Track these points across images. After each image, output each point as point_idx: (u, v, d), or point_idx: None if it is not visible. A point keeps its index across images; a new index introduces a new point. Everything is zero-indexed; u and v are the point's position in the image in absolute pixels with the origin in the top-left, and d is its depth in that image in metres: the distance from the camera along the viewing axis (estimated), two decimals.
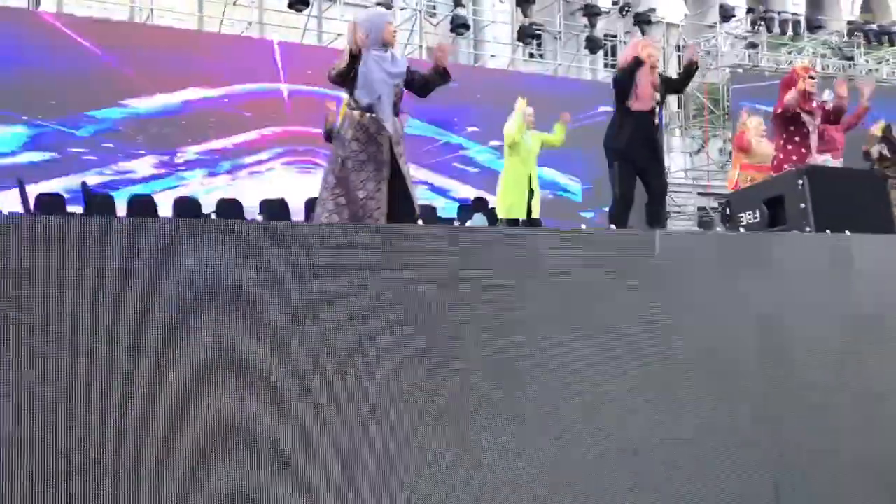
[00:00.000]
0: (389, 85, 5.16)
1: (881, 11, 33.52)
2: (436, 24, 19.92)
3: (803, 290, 3.01)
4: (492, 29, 20.35)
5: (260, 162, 14.64)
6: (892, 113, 18.72)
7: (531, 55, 25.63)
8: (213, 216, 10.53)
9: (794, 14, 22.18)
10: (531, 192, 8.62)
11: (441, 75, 5.37)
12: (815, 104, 7.28)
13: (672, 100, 24.50)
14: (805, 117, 7.04)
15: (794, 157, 7.05)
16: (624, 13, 20.91)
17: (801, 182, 3.36)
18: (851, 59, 21.55)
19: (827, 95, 7.93)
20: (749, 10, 21.67)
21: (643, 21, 20.83)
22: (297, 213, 11.25)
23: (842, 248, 3.09)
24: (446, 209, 13.92)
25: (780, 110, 6.97)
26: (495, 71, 19.19)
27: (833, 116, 7.27)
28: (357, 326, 2.63)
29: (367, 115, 5.14)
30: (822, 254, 3.04)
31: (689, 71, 6.57)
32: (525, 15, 19.41)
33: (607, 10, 21.90)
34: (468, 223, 10.96)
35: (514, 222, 8.49)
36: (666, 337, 2.94)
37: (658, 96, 6.24)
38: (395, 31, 5.42)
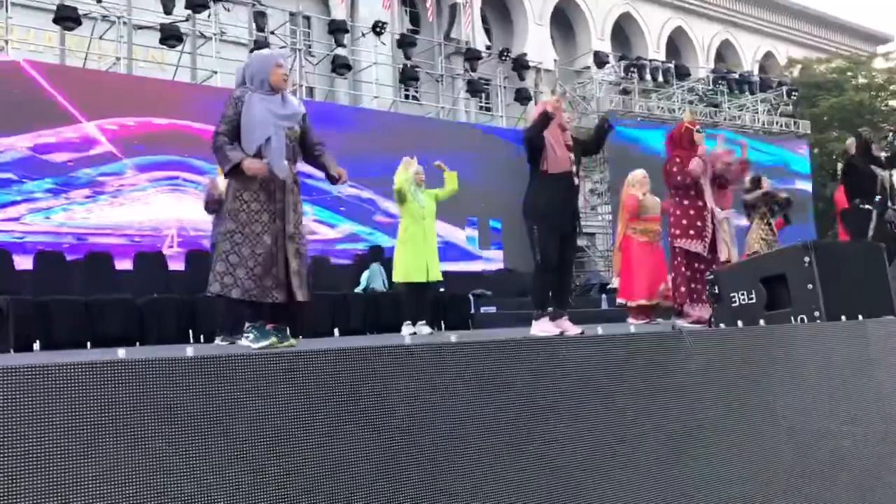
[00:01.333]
0: (279, 126, 4.69)
1: (732, 61, 35.16)
2: (315, 63, 19.18)
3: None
4: (372, 71, 19.77)
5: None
6: (754, 158, 19.34)
7: (407, 97, 25.27)
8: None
9: (662, 62, 22.66)
10: (428, 252, 8.05)
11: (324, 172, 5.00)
12: (705, 156, 7.03)
13: None
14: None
15: (692, 212, 6.76)
16: (503, 58, 20.80)
17: (807, 259, 2.85)
18: (717, 105, 22.16)
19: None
20: (621, 58, 21.97)
21: (521, 66, 20.77)
22: None
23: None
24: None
25: (679, 178, 6.72)
26: (376, 112, 18.60)
27: (722, 181, 7.11)
28: None
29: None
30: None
31: (601, 131, 6.16)
32: (407, 57, 18.96)
33: (487, 55, 21.78)
34: (364, 274, 10.25)
35: (414, 287, 7.99)
36: None
37: (573, 157, 5.74)
38: (285, 75, 4.84)
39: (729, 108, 22.37)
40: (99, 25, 16.15)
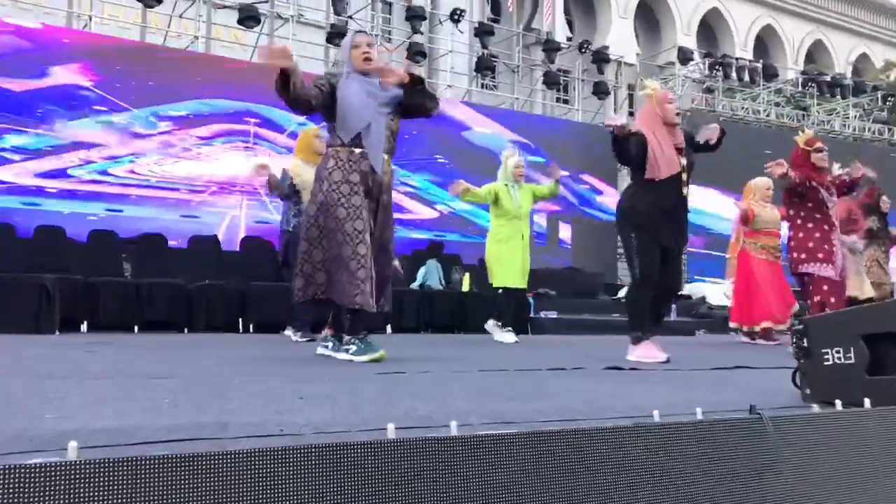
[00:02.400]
0: (380, 113, 4.26)
1: (823, 62, 33.54)
2: (392, 49, 18.81)
3: None
4: (448, 59, 19.30)
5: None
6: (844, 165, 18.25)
7: (483, 86, 24.73)
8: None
9: (749, 61, 21.59)
10: (523, 256, 7.35)
11: (414, 93, 4.33)
12: (829, 178, 6.37)
13: None
14: (823, 193, 6.18)
15: (818, 235, 6.10)
16: (583, 50, 20.07)
17: None
18: (806, 109, 21.02)
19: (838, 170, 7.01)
20: (706, 55, 20.99)
21: (601, 59, 20.02)
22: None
23: None
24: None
25: (787, 190, 6.11)
26: (450, 102, 18.13)
27: (847, 189, 6.49)
28: None
29: (356, 150, 4.23)
30: None
31: (714, 146, 5.17)
32: (484, 46, 18.44)
33: (567, 46, 21.08)
34: (421, 270, 9.81)
35: (509, 291, 7.32)
36: None
37: (684, 161, 4.89)
38: (365, 54, 4.31)
39: (818, 112, 21.20)
40: (180, 4, 16.08)
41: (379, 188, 4.30)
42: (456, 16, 18.18)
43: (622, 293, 18.19)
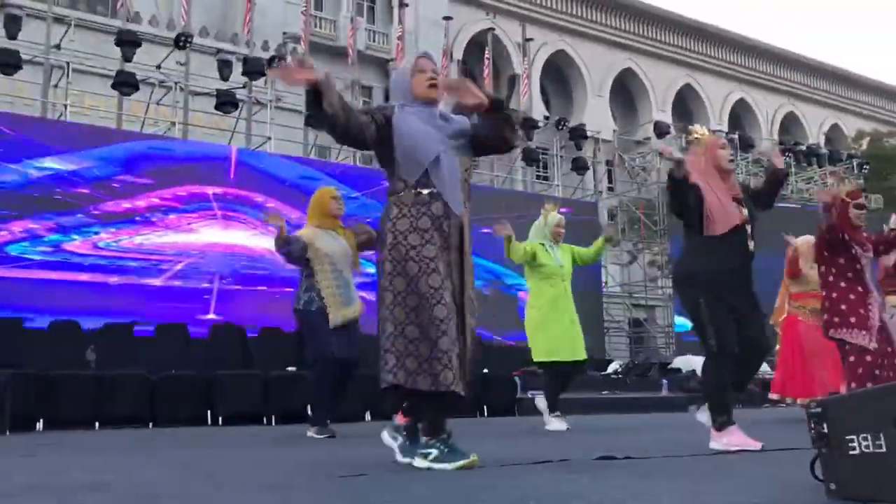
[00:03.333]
0: (447, 145, 3.39)
1: (797, 133, 33.94)
2: None
3: None
4: None
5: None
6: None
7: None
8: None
9: (725, 133, 21.69)
10: (571, 323, 6.33)
11: (491, 119, 3.40)
12: (865, 235, 5.71)
13: (604, 215, 23.76)
14: (857, 249, 5.42)
15: (852, 297, 5.35)
16: (560, 127, 20.08)
17: None
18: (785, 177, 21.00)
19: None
20: (683, 128, 21.07)
21: (579, 136, 20.01)
22: None
23: None
24: None
25: (819, 242, 5.40)
26: None
27: (883, 247, 5.73)
28: None
29: (424, 191, 3.34)
30: None
31: (775, 177, 4.56)
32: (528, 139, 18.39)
33: (543, 124, 21.10)
34: None
35: (555, 367, 6.31)
36: None
37: (745, 212, 4.26)
38: (432, 80, 3.44)
39: (796, 180, 21.17)
40: (157, 91, 15.96)
41: (459, 235, 3.38)
42: None
43: (611, 368, 17.77)
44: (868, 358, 5.24)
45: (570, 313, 6.38)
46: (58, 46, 14.96)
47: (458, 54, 28.89)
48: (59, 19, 15.32)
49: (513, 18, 31.51)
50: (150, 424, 7.04)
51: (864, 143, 29.25)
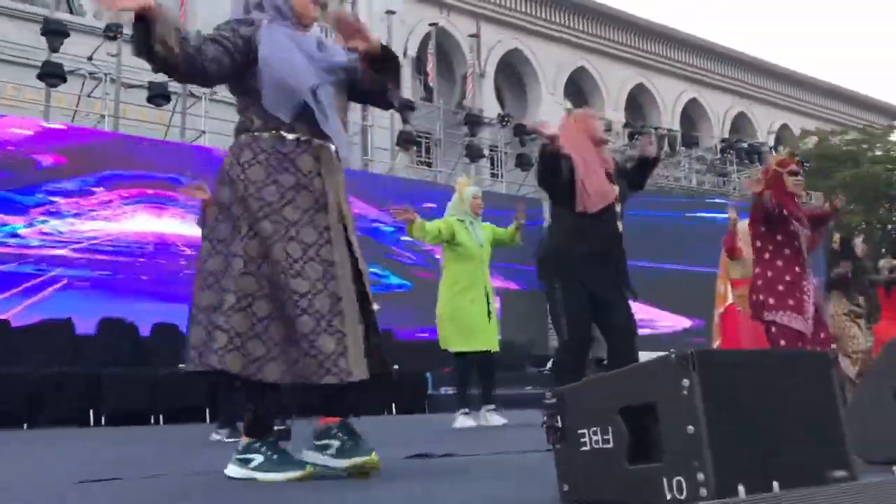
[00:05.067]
0: (324, 77, 2.75)
1: (747, 132, 34.05)
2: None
3: None
4: (372, 133, 18.96)
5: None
6: None
7: (420, 162, 24.39)
8: None
9: (668, 130, 21.62)
10: (490, 310, 5.77)
11: (377, 67, 2.79)
12: (802, 210, 5.18)
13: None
14: (795, 224, 4.98)
15: (789, 278, 4.93)
16: (504, 124, 19.87)
17: (686, 382, 1.65)
18: (726, 175, 20.98)
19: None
20: (626, 125, 20.97)
21: (522, 132, 19.81)
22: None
23: None
24: None
25: (755, 214, 4.90)
26: (374, 176, 17.65)
27: (821, 222, 5.30)
28: None
29: (290, 135, 2.71)
30: None
31: (644, 160, 4.33)
32: (405, 122, 18.10)
33: (488, 121, 20.89)
34: None
35: (466, 357, 5.73)
36: None
37: (617, 189, 4.05)
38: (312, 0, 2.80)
39: (739, 178, 21.16)
40: (88, 83, 15.50)
41: (335, 193, 2.75)
42: None
43: (550, 364, 17.61)
44: (801, 346, 4.81)
45: (489, 298, 5.85)
46: None
47: (413, 51, 28.61)
48: None
49: (467, 16, 31.27)
50: (25, 426, 6.67)
51: (811, 142, 29.40)
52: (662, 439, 1.72)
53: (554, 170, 3.84)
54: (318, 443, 2.68)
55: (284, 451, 2.70)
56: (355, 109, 20.44)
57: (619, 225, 4.03)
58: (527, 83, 32.75)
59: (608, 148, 4.28)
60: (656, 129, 20.82)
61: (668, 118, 33.78)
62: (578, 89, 33.68)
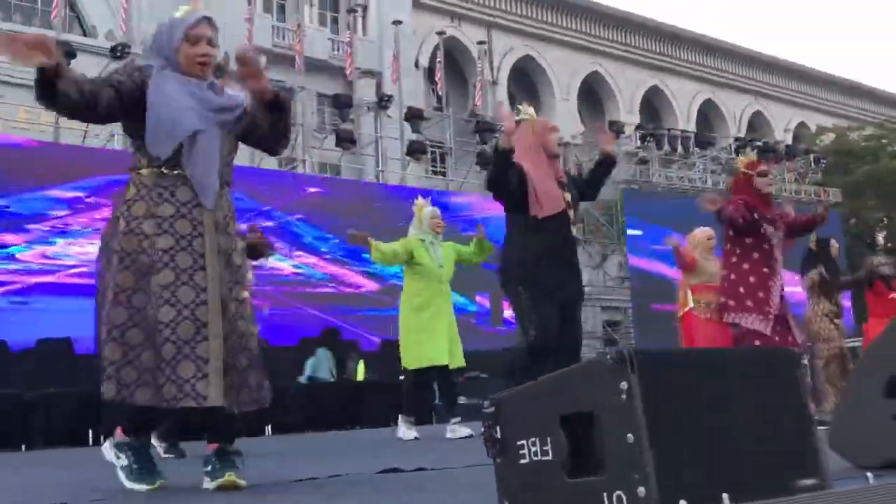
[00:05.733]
0: (211, 120, 2.87)
1: (764, 131, 33.62)
2: (322, 137, 18.32)
3: None
4: (380, 144, 18.88)
5: None
6: None
7: (435, 172, 24.31)
8: None
9: (681, 131, 21.36)
10: (449, 328, 5.81)
11: (271, 113, 2.97)
12: (776, 211, 5.20)
13: None
14: (766, 228, 5.01)
15: (752, 279, 4.97)
16: None
17: (624, 385, 1.49)
18: None
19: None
20: (638, 127, 20.73)
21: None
22: None
23: None
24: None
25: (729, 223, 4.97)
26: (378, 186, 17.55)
27: (793, 230, 5.31)
28: None
29: (171, 172, 2.85)
30: None
31: (601, 167, 4.38)
32: (415, 131, 18.00)
33: (500, 128, 20.74)
34: (309, 361, 8.87)
35: (426, 375, 5.79)
36: None
37: (568, 196, 4.10)
38: (202, 59, 2.89)
39: None
40: None
41: (213, 228, 2.87)
42: (383, 102, 17.79)
43: None
44: (759, 344, 4.81)
45: (449, 317, 5.89)
46: None
47: (424, 61, 28.58)
48: None
49: (478, 25, 31.19)
50: (23, 447, 6.58)
51: (827, 139, 28.96)
52: (602, 450, 1.55)
53: (502, 171, 3.91)
54: (116, 450, 2.93)
55: (146, 461, 2.90)
56: (368, 120, 20.44)
57: (573, 230, 4.13)
58: (540, 89, 32.60)
59: (559, 161, 4.29)
60: (615, 128, 20.38)
61: (684, 119, 33.46)
62: (592, 94, 33.47)
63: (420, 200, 6.24)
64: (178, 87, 2.87)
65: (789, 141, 30.12)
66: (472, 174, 20.85)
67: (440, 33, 22.29)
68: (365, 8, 29.31)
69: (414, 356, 5.79)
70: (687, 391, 1.58)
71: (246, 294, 2.94)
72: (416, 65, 29.81)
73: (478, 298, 16.04)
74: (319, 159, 20.74)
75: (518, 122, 4.11)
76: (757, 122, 35.68)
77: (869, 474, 1.70)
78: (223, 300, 2.80)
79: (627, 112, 32.41)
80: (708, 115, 35.21)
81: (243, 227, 5.24)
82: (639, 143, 19.73)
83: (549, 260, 4.01)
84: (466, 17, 31.07)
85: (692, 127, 31.46)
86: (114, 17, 23.40)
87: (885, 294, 7.86)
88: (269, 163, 16.73)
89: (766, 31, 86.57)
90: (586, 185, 4.39)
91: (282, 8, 27.59)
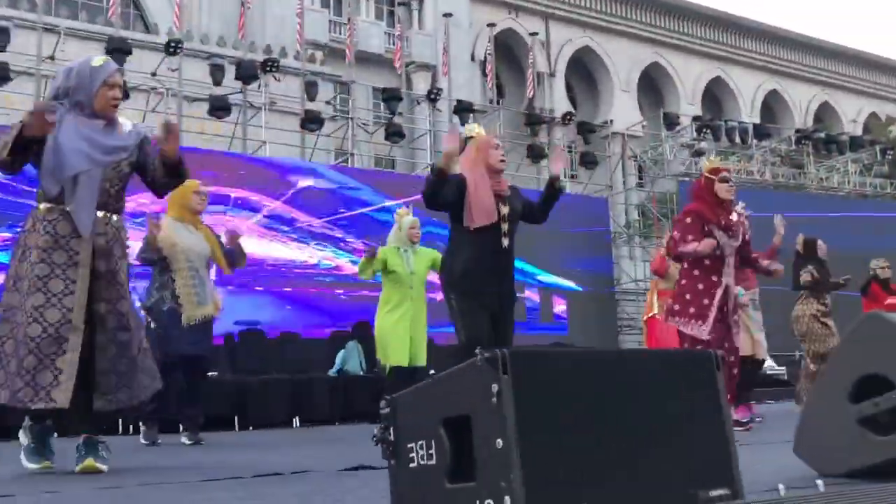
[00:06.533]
0: (96, 163, 3.38)
1: (832, 123, 32.51)
2: (372, 131, 18.35)
3: None
4: (427, 138, 18.85)
5: None
6: (843, 222, 17.06)
7: None
8: None
9: (740, 122, 20.74)
10: (416, 329, 6.28)
11: (170, 171, 3.57)
12: (735, 218, 5.27)
13: (622, 210, 22.94)
14: (718, 234, 5.09)
15: (700, 286, 5.09)
16: (566, 122, 19.40)
17: (495, 388, 1.40)
18: (801, 167, 19.98)
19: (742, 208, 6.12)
20: (694, 119, 20.20)
21: (587, 130, 19.30)
22: None
23: None
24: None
25: (681, 247, 5.09)
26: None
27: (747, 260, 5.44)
28: None
29: (57, 207, 3.38)
30: None
31: (550, 191, 4.52)
32: (462, 123, 17.89)
33: (549, 120, 20.47)
34: (340, 354, 8.88)
35: (399, 371, 6.16)
36: None
37: (506, 210, 4.24)
38: (115, 98, 3.47)
39: (818, 169, 20.13)
40: (152, 98, 15.87)
41: (90, 257, 3.37)
42: (432, 95, 17.71)
43: None
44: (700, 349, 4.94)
45: (417, 319, 6.26)
46: (52, 58, 14.94)
47: (480, 54, 28.42)
48: (49, 29, 15.29)
49: (535, 16, 30.89)
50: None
51: (895, 130, 27.79)
52: (476, 455, 1.46)
53: (435, 192, 4.15)
54: (22, 431, 3.56)
55: (39, 443, 3.48)
56: (423, 116, 20.44)
57: (504, 241, 4.27)
58: (598, 81, 32.14)
59: (502, 175, 4.42)
60: (668, 119, 19.79)
61: (748, 110, 32.60)
62: (653, 85, 32.85)
63: (402, 210, 6.59)
64: (75, 131, 3.37)
65: (858, 132, 29.05)
66: (523, 167, 20.66)
67: (491, 25, 22.09)
68: (422, 1, 29.34)
69: (382, 353, 6.24)
70: (570, 394, 1.48)
71: (127, 307, 3.46)
72: (472, 57, 29.70)
73: None
74: (374, 153, 20.83)
75: (467, 140, 4.33)
76: (824, 113, 34.53)
77: (781, 485, 1.57)
78: (103, 315, 3.35)
79: (689, 103, 31.69)
80: (773, 106, 34.23)
81: (223, 237, 5.63)
82: (695, 134, 19.22)
83: (480, 269, 4.21)
84: (524, 9, 30.79)
85: (756, 118, 30.60)
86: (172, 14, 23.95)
87: (880, 298, 7.76)
88: (319, 156, 16.86)
89: (832, 19, 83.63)
90: (537, 208, 4.55)
91: (339, 2, 27.80)
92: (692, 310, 5.05)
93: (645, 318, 7.27)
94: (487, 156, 4.28)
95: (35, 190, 3.51)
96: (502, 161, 4.37)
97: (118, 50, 14.58)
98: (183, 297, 5.21)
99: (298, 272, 13.18)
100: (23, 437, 3.54)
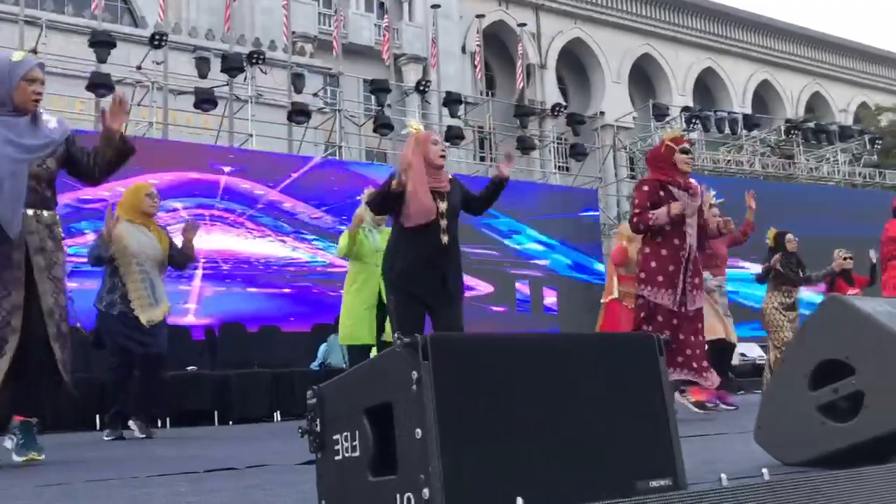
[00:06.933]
0: (19, 163, 3.39)
1: (823, 112, 32.48)
2: (361, 124, 18.24)
3: None
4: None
5: None
6: (833, 212, 17.00)
7: (482, 158, 24.09)
8: None
9: (729, 113, 20.67)
10: (382, 309, 6.03)
11: (116, 150, 3.70)
12: (692, 188, 5.11)
13: (613, 202, 22.87)
14: (678, 193, 4.97)
15: (664, 252, 4.94)
16: (556, 114, 19.32)
17: (415, 374, 1.32)
18: (791, 157, 19.93)
19: (713, 198, 6.07)
20: (684, 109, 20.13)
21: (576, 122, 19.21)
22: None
23: None
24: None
25: (638, 218, 5.01)
26: None
27: (718, 233, 5.42)
28: None
29: None
30: None
31: (494, 184, 4.55)
32: (452, 115, 17.80)
33: (539, 112, 20.40)
34: (321, 347, 8.81)
35: (360, 351, 6.08)
36: None
37: (444, 206, 4.29)
38: (37, 94, 3.46)
39: (807, 159, 20.08)
40: (137, 91, 15.74)
41: (23, 255, 3.46)
42: (422, 86, 17.61)
43: None
44: (659, 318, 4.93)
45: (382, 298, 6.07)
46: (34, 51, 14.79)
47: (471, 46, 28.29)
48: (30, 22, 15.13)
49: (525, 7, 30.76)
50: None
51: (884, 119, 27.76)
52: (397, 446, 1.38)
53: (382, 207, 4.38)
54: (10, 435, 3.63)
55: (30, 438, 3.55)
56: (413, 108, 20.32)
57: (444, 238, 4.29)
58: (590, 72, 32.04)
59: (443, 171, 4.48)
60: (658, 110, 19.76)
61: (739, 101, 32.51)
62: (644, 76, 32.75)
63: (368, 191, 6.55)
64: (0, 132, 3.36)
65: (849, 121, 29.01)
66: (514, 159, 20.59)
67: (480, 16, 21.98)
68: None
69: (347, 333, 6.21)
70: (497, 381, 1.40)
71: (64, 301, 3.59)
72: (464, 49, 29.56)
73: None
74: (364, 146, 20.71)
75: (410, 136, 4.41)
76: (815, 104, 34.48)
77: (723, 475, 1.50)
78: (49, 308, 3.47)
79: (680, 94, 31.61)
80: (764, 96, 34.18)
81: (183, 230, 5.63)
82: (684, 125, 19.15)
83: (417, 267, 4.25)
84: (514, 0, 30.66)
85: (748, 109, 30.51)
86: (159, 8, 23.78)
87: (843, 291, 7.83)
88: (307, 148, 16.74)
89: (823, 10, 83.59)
90: (476, 200, 4.58)
91: None
92: (660, 278, 4.95)
93: (604, 300, 7.16)
94: (427, 151, 4.30)
95: None
96: (442, 157, 4.40)
97: (102, 43, 14.46)
98: (135, 300, 5.19)
99: (279, 267, 13.09)
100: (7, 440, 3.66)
